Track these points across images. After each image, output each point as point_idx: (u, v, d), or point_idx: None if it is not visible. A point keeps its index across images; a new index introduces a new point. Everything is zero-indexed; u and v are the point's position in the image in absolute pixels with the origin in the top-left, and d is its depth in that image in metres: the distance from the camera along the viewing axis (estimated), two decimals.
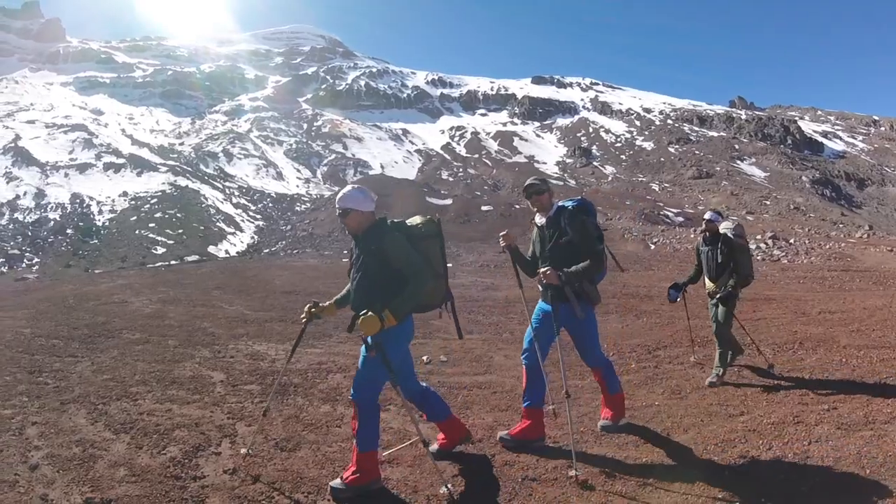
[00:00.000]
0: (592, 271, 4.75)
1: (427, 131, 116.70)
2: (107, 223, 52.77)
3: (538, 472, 4.49)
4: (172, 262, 41.05)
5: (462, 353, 8.33)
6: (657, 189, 73.44)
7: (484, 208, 53.32)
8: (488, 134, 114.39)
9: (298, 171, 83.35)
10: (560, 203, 4.93)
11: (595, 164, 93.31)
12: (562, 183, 76.60)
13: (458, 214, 50.79)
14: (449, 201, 56.33)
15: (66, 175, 62.64)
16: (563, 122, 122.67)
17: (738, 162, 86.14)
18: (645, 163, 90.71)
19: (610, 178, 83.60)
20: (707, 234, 7.23)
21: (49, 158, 66.72)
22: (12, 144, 68.49)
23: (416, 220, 4.49)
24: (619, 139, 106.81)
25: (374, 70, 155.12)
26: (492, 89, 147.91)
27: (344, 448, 4.92)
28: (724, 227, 7.16)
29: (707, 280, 7.17)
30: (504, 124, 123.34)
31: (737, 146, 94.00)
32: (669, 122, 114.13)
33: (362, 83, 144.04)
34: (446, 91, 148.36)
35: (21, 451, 4.76)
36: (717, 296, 7.00)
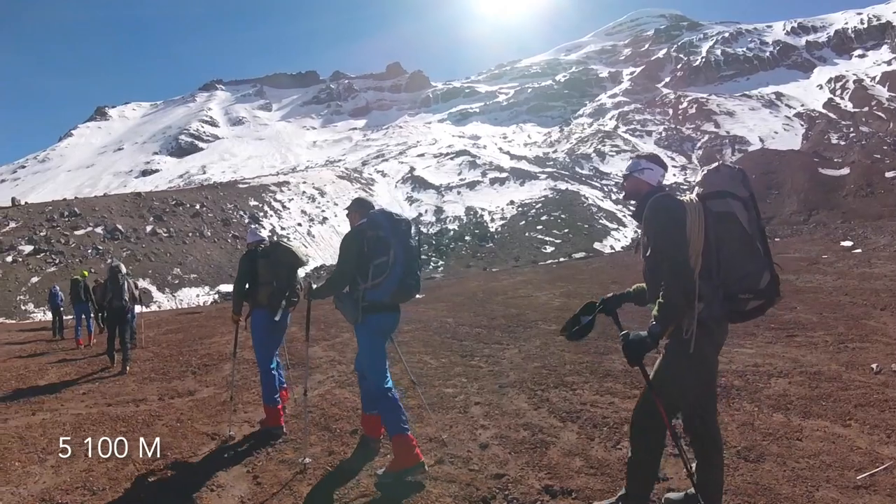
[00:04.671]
0: (327, 289, 4.54)
1: (802, 90, 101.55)
2: (499, 229, 58.83)
3: None
4: (561, 259, 43.71)
5: None
6: None
7: (889, 174, 44.05)
8: (873, 79, 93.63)
9: (673, 158, 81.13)
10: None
11: None
12: None
13: (859, 186, 42.48)
14: (845, 171, 47.28)
15: (459, 193, 71.67)
16: None
17: None
18: None
19: None
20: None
21: (441, 181, 77.55)
22: (409, 174, 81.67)
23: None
24: None
25: (727, 35, 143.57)
26: (862, 22, 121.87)
27: (812, 465, 4.15)
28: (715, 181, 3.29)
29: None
30: (888, 63, 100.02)
31: None
32: None
33: (718, 52, 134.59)
34: (811, 38, 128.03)
35: (469, 428, 5.22)
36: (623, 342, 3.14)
